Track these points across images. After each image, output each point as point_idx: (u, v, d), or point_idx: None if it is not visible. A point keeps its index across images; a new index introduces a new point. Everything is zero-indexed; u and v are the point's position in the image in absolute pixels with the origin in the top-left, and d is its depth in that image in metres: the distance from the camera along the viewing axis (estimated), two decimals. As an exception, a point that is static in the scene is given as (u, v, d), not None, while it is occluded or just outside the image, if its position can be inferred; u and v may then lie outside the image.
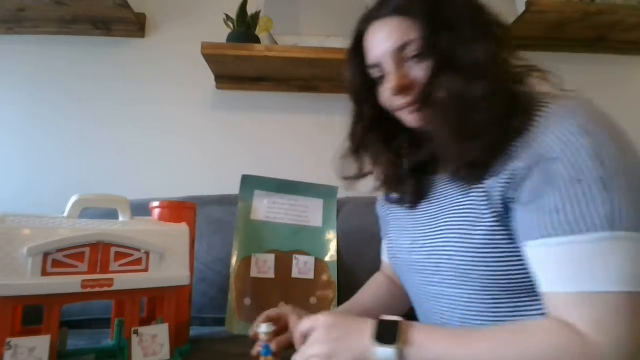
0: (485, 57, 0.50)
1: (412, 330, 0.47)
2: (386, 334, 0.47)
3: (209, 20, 1.29)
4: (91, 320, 0.91)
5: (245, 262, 0.94)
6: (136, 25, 1.29)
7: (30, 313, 0.58)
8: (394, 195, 0.67)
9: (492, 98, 0.49)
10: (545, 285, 0.45)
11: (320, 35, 1.28)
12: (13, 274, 0.51)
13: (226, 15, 1.17)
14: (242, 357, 0.71)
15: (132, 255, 0.60)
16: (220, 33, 1.16)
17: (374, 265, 1.01)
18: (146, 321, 0.65)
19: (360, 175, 0.67)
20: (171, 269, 0.63)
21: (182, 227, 0.68)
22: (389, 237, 0.71)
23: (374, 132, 0.64)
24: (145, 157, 1.26)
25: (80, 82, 1.28)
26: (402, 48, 0.54)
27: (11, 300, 0.51)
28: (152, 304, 0.70)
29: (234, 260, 0.93)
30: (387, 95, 0.58)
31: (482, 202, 0.52)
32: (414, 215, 0.64)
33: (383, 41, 0.56)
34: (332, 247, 1.01)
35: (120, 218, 0.65)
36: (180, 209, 0.76)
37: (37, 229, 0.55)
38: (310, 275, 0.97)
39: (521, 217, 0.48)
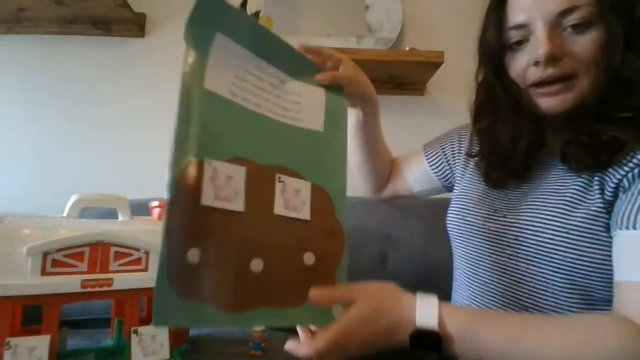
0: None
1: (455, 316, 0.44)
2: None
3: (209, 20, 1.29)
4: (91, 320, 0.91)
5: (192, 172, 0.46)
6: (136, 25, 1.29)
7: (30, 313, 0.58)
8: (492, 170, 0.61)
9: None
10: (620, 274, 0.45)
11: (320, 35, 1.28)
12: (13, 274, 0.51)
13: (226, 15, 1.17)
14: (241, 357, 0.71)
15: (132, 255, 0.60)
16: (220, 33, 1.16)
17: (374, 265, 1.01)
18: (146, 321, 0.65)
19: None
20: (171, 269, 0.63)
21: (182, 227, 0.68)
22: (460, 197, 0.67)
23: (492, 102, 0.59)
24: (145, 157, 1.26)
25: (80, 82, 1.28)
26: (565, 13, 0.47)
27: (11, 300, 0.51)
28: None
29: (171, 166, 0.45)
30: (523, 66, 0.52)
31: (590, 188, 0.50)
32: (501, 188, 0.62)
33: (542, 1, 0.48)
34: (341, 170, 0.58)
35: (120, 218, 0.65)
36: (180, 209, 0.75)
37: (37, 229, 0.55)
38: (305, 214, 0.54)
39: (623, 205, 0.46)
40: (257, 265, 0.50)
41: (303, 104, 0.59)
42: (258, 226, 0.51)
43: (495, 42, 0.55)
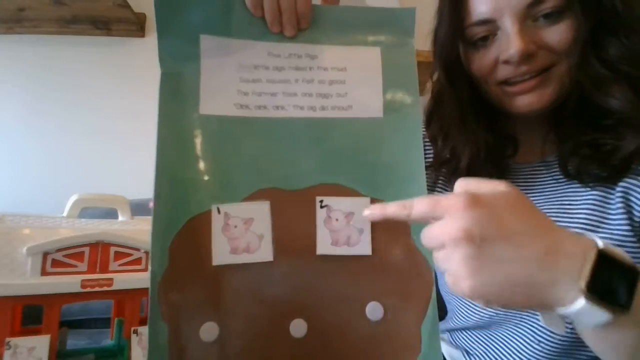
0: None
1: None
2: (613, 283, 0.27)
3: (209, 20, 1.29)
4: (91, 320, 0.91)
5: (190, 230, 0.38)
6: (136, 25, 1.29)
7: (30, 313, 0.58)
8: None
9: None
10: None
11: (320, 35, 1.28)
12: (13, 274, 0.51)
13: (226, 15, 1.17)
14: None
15: (132, 255, 0.60)
16: (220, 33, 1.16)
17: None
18: (146, 321, 0.65)
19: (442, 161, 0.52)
20: (171, 268, 0.63)
21: (182, 227, 0.68)
22: None
23: (443, 107, 0.51)
24: (145, 157, 1.26)
25: (80, 82, 1.28)
26: (535, 3, 0.42)
27: (11, 300, 0.51)
28: (152, 304, 0.70)
29: (157, 229, 0.39)
30: (491, 63, 0.46)
31: (609, 204, 0.41)
32: None
33: None
34: (416, 171, 0.41)
35: (120, 218, 0.65)
36: (180, 209, 0.75)
37: (37, 229, 0.55)
38: (364, 248, 0.39)
39: None
40: (298, 328, 0.37)
41: (349, 81, 0.41)
42: (295, 276, 0.37)
43: (449, 39, 0.48)
